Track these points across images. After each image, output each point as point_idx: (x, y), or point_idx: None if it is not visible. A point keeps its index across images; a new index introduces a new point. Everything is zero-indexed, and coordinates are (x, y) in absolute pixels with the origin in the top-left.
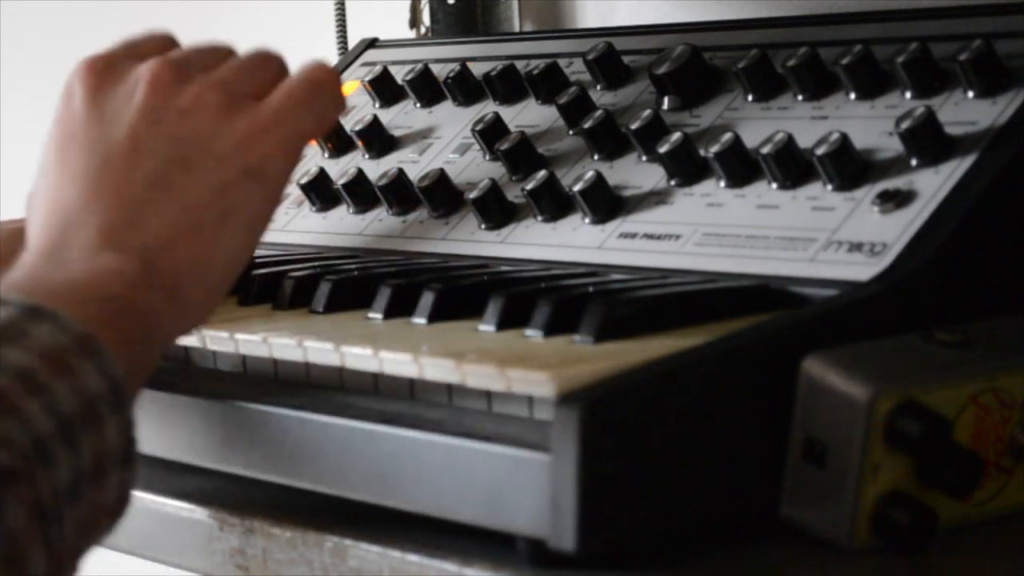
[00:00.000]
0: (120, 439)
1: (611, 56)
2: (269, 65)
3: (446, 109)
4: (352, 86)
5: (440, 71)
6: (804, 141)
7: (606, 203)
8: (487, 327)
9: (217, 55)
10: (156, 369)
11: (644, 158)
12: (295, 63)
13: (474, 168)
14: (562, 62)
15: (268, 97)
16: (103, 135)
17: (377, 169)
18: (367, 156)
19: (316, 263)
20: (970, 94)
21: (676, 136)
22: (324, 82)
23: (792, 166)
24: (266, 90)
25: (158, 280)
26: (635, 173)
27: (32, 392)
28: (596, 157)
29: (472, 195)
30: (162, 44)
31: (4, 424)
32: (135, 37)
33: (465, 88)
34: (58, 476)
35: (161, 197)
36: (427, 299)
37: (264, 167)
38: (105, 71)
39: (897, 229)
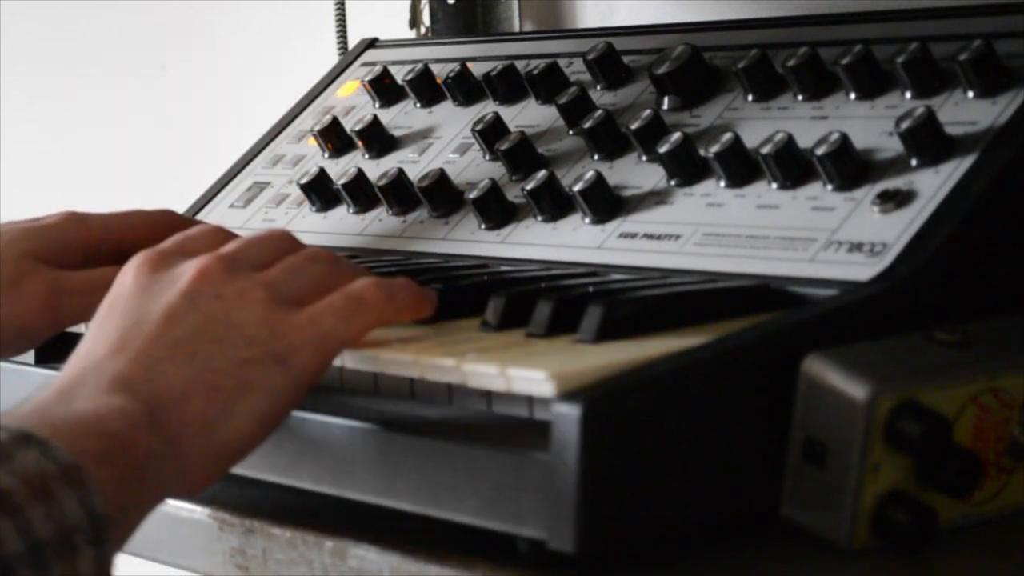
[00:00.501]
0: (94, 573)
1: (611, 56)
2: (321, 271)
3: (446, 109)
4: (352, 86)
5: (440, 71)
6: (804, 141)
7: (606, 203)
8: (487, 327)
9: (273, 250)
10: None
11: (644, 158)
12: (295, 63)
13: (474, 168)
14: (562, 62)
15: (309, 307)
16: (142, 307)
17: (377, 169)
18: (367, 156)
19: None
20: (970, 94)
21: (676, 136)
22: (368, 300)
23: (792, 166)
24: (313, 297)
25: (163, 429)
26: (635, 173)
27: (7, 513)
28: (596, 157)
29: (472, 195)
30: (217, 240)
31: None
32: (192, 232)
33: (465, 88)
34: None
35: (183, 358)
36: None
37: (291, 357)
38: (159, 262)
39: (897, 229)
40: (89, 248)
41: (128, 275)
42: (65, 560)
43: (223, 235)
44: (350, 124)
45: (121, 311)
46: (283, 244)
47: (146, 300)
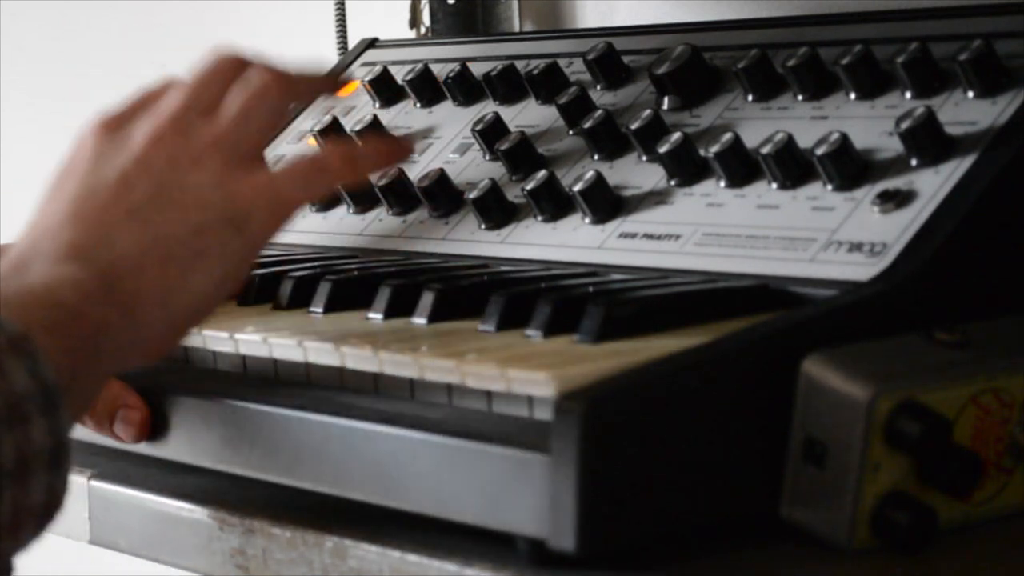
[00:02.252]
0: (48, 441)
1: (611, 56)
2: (272, 106)
3: (446, 109)
4: (352, 86)
5: (440, 71)
6: (804, 141)
7: (606, 203)
8: (487, 327)
9: (222, 81)
10: (152, 370)
11: (644, 158)
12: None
13: (474, 168)
14: (562, 62)
15: (268, 168)
16: (96, 172)
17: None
18: None
19: (316, 263)
20: (970, 94)
21: (676, 136)
22: (331, 166)
23: (792, 166)
24: (267, 141)
25: (116, 297)
26: (635, 173)
27: None
28: (596, 157)
29: (472, 195)
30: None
31: None
32: (150, 89)
33: (465, 88)
34: None
35: (137, 226)
36: (427, 299)
37: (247, 219)
38: (115, 124)
39: (897, 229)
40: None
41: (85, 138)
42: (16, 429)
43: (180, 88)
44: (350, 124)
45: (75, 176)
46: (229, 73)
47: (100, 164)
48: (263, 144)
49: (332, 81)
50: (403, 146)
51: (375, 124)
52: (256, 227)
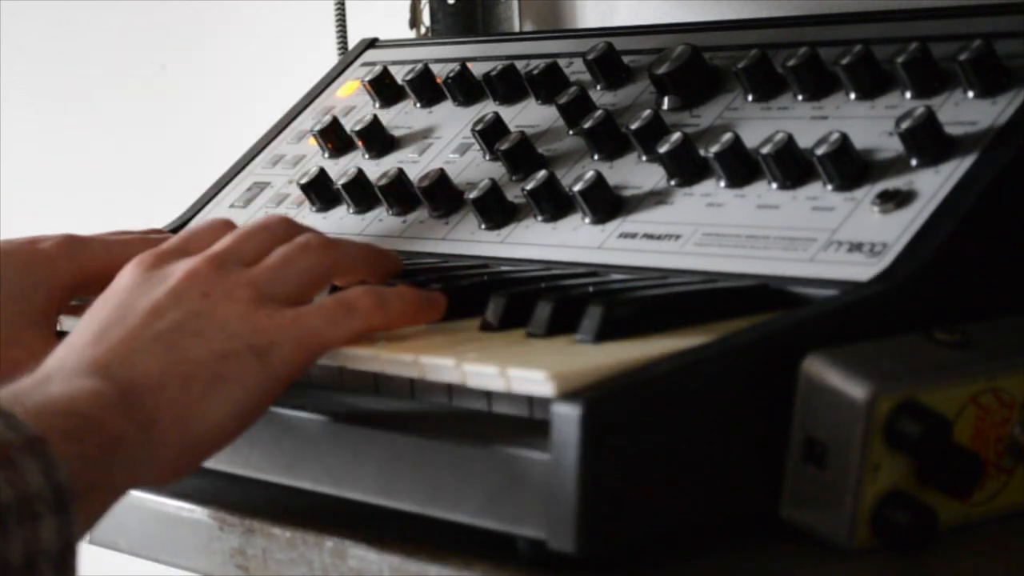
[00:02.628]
0: (57, 542)
1: (611, 56)
2: (313, 262)
3: (446, 109)
4: (352, 86)
5: (440, 71)
6: (804, 141)
7: (606, 203)
8: (487, 327)
9: (267, 241)
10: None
11: (644, 158)
12: (295, 63)
13: (474, 168)
14: (562, 62)
15: (298, 306)
16: (128, 301)
17: (377, 169)
18: (367, 156)
19: None
20: (970, 94)
21: (676, 136)
22: (359, 307)
23: (792, 166)
24: (304, 290)
25: (134, 413)
26: (635, 173)
27: None
28: (596, 157)
29: (472, 195)
30: (218, 236)
31: None
32: (196, 229)
33: (465, 88)
34: None
35: (161, 349)
36: None
37: (271, 351)
38: (155, 261)
39: (897, 229)
40: (79, 282)
41: (125, 274)
42: (26, 526)
43: (225, 230)
44: (350, 124)
45: (109, 305)
46: (277, 233)
47: (134, 296)
48: (299, 294)
49: (384, 261)
50: (435, 305)
51: (375, 124)
52: (279, 359)
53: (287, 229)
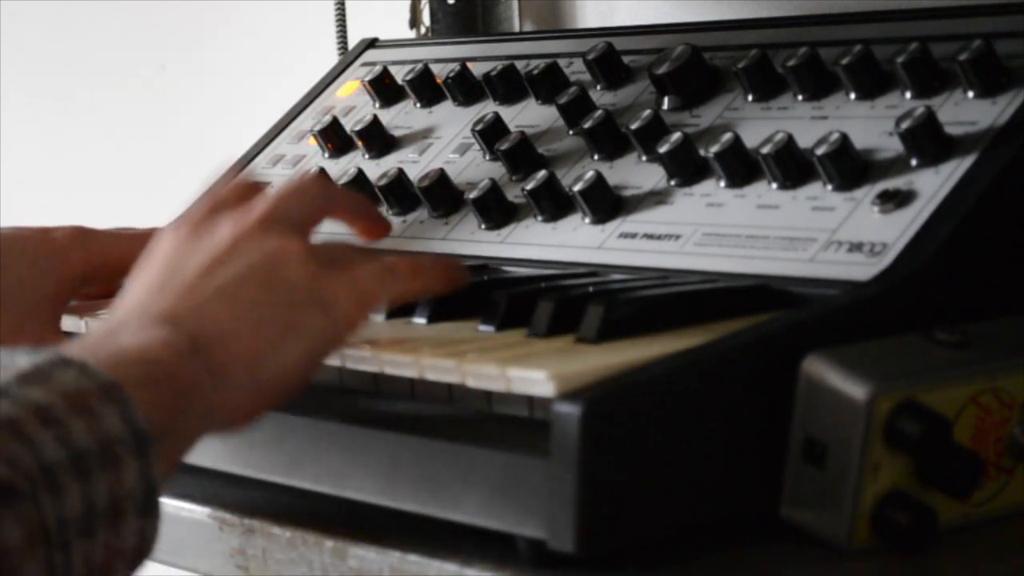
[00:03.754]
0: (140, 485)
1: (611, 56)
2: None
3: (446, 109)
4: (352, 86)
5: (440, 71)
6: (804, 141)
7: (606, 203)
8: (487, 327)
9: (309, 206)
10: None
11: (644, 158)
12: (295, 63)
13: (474, 168)
14: (562, 62)
15: (355, 268)
16: (185, 259)
17: (377, 169)
18: (367, 156)
19: None
20: (970, 94)
21: (676, 136)
22: (400, 271)
23: (792, 166)
24: (349, 260)
25: (206, 360)
26: (635, 173)
27: (46, 424)
28: (596, 157)
29: (472, 195)
30: (249, 194)
31: (11, 446)
32: (223, 190)
33: (465, 88)
34: (66, 505)
35: (228, 300)
36: (427, 299)
37: (333, 305)
38: (198, 223)
39: (897, 229)
40: (89, 272)
41: (165, 240)
42: (108, 469)
43: (254, 189)
44: (350, 124)
45: (164, 263)
46: (318, 198)
47: (187, 254)
48: (344, 264)
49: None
50: (462, 271)
51: (375, 124)
52: (341, 313)
53: (326, 193)
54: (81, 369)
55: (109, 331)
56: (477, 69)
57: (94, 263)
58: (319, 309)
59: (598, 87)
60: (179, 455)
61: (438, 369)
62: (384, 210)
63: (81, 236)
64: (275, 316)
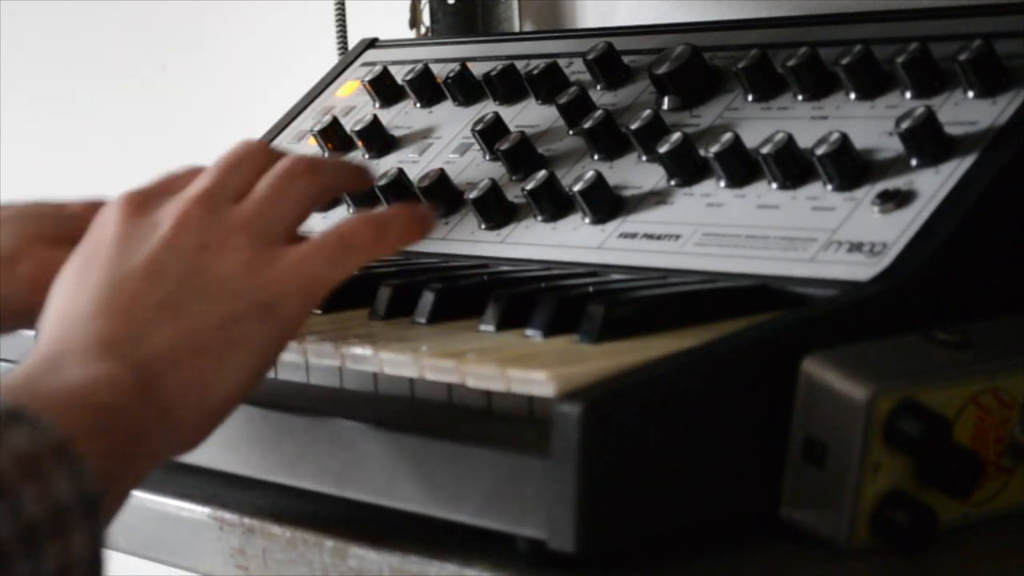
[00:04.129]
0: (88, 549)
1: (611, 56)
2: (302, 189)
3: (446, 109)
4: (352, 86)
5: (440, 71)
6: (804, 141)
7: (606, 203)
8: (487, 327)
9: (250, 171)
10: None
11: (644, 158)
12: (295, 63)
13: (474, 168)
14: (562, 62)
15: (297, 246)
16: (124, 257)
17: (377, 169)
18: (367, 156)
19: None
20: (970, 94)
21: (676, 136)
22: (358, 241)
23: (792, 166)
24: (297, 228)
25: (152, 397)
26: (635, 173)
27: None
28: (596, 157)
29: (472, 195)
30: (194, 176)
31: None
32: (174, 172)
33: (465, 88)
34: None
35: (169, 318)
36: (427, 299)
37: (278, 305)
38: (142, 203)
39: (897, 229)
40: None
41: (109, 219)
42: (58, 539)
43: (207, 172)
44: (350, 124)
45: (101, 261)
46: (259, 161)
47: (128, 249)
48: (293, 227)
49: (363, 174)
50: (429, 218)
51: (375, 124)
52: (287, 312)
53: (267, 155)
54: (33, 427)
55: (50, 357)
56: (477, 69)
57: None
58: (263, 315)
59: (598, 87)
60: (127, 495)
61: (438, 369)
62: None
63: (99, 207)
64: (217, 334)
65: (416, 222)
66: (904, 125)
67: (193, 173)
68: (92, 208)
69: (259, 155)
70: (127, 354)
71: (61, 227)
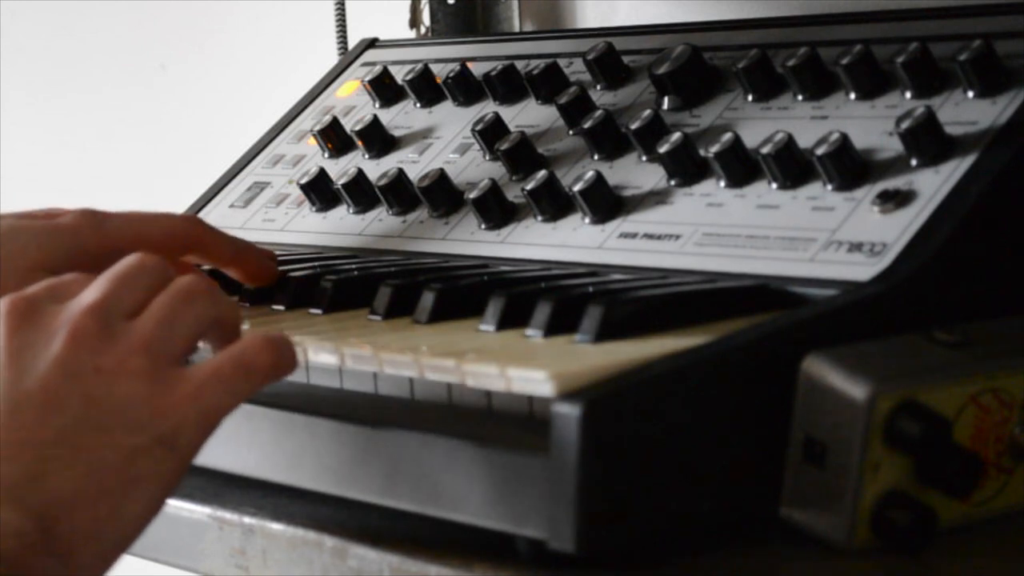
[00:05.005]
0: None
1: (611, 56)
2: (199, 313)
3: (446, 109)
4: (352, 86)
5: (440, 71)
6: (804, 141)
7: (606, 203)
8: (487, 327)
9: (145, 286)
10: None
11: (644, 158)
12: (295, 63)
13: (474, 168)
14: (562, 62)
15: (194, 369)
16: (16, 381)
17: (377, 169)
18: (367, 156)
19: (316, 263)
20: (970, 94)
21: (676, 136)
22: (258, 366)
23: (792, 166)
24: (195, 339)
25: (54, 545)
26: (635, 173)
27: None
28: (596, 157)
29: (472, 195)
30: (87, 283)
31: None
32: (60, 279)
33: (465, 88)
34: None
35: (68, 455)
36: (427, 299)
37: (177, 437)
38: (27, 312)
39: (897, 229)
40: (102, 255)
41: None
42: None
43: (99, 283)
44: (350, 124)
45: None
46: (154, 275)
47: (20, 370)
48: (190, 349)
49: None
50: (289, 347)
51: (375, 124)
52: (185, 444)
53: (163, 272)
54: None
55: None
56: (477, 69)
57: (108, 244)
58: (162, 449)
59: (598, 87)
60: None
61: (438, 369)
62: (384, 210)
63: (92, 216)
64: (118, 471)
65: (288, 349)
66: (904, 125)
67: (80, 281)
68: (87, 214)
69: (155, 271)
70: (28, 500)
71: (63, 250)
